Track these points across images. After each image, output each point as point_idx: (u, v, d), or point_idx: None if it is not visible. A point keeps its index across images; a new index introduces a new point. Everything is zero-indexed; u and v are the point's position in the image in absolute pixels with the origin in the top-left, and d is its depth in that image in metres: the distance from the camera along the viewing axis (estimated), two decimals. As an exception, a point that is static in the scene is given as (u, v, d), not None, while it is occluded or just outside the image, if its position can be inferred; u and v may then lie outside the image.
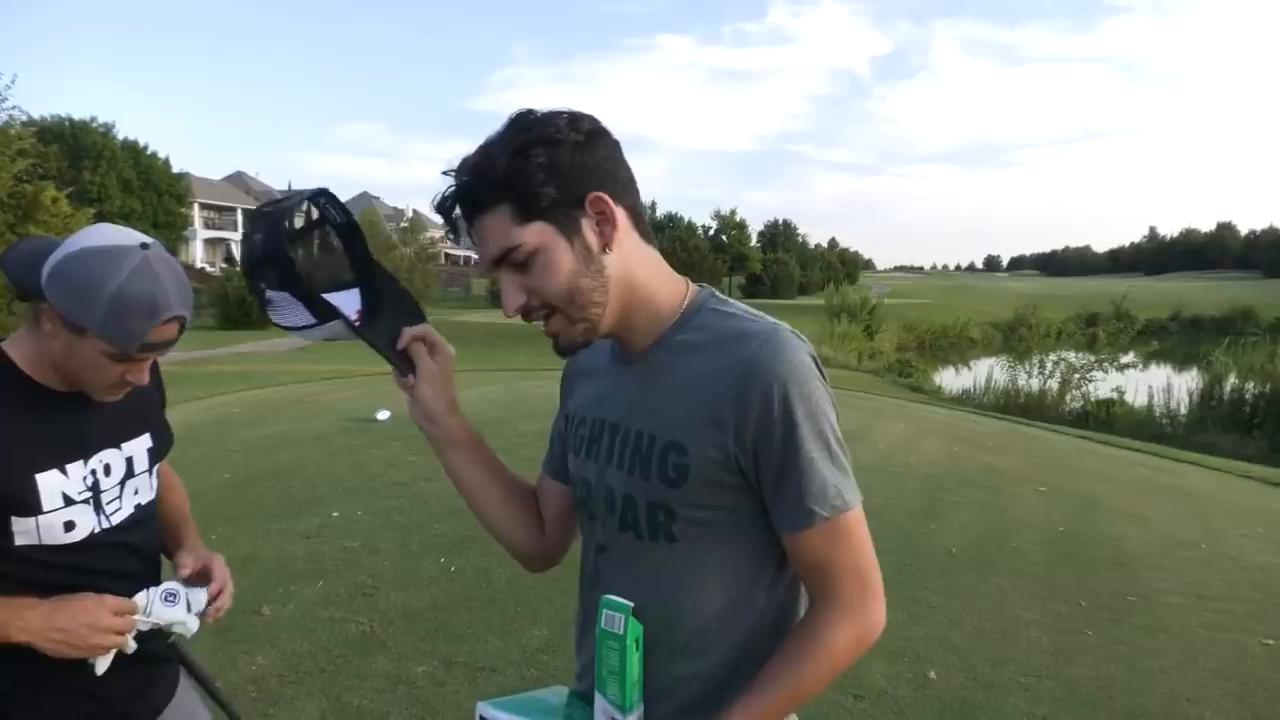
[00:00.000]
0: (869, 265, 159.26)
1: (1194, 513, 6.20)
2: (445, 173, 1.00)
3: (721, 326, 1.03)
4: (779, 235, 74.78)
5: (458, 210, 1.00)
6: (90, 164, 35.28)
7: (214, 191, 56.21)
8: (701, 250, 57.01)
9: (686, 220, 64.23)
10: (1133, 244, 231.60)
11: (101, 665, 1.27)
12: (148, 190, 37.00)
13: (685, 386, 1.01)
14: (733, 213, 63.91)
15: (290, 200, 1.07)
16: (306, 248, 1.09)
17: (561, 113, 0.98)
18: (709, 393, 0.99)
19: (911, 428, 9.38)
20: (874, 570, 1.02)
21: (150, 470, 1.45)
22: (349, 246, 1.12)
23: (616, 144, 1.02)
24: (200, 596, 1.38)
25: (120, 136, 38.76)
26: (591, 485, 1.11)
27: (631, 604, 1.03)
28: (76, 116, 37.36)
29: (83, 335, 1.21)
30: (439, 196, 1.01)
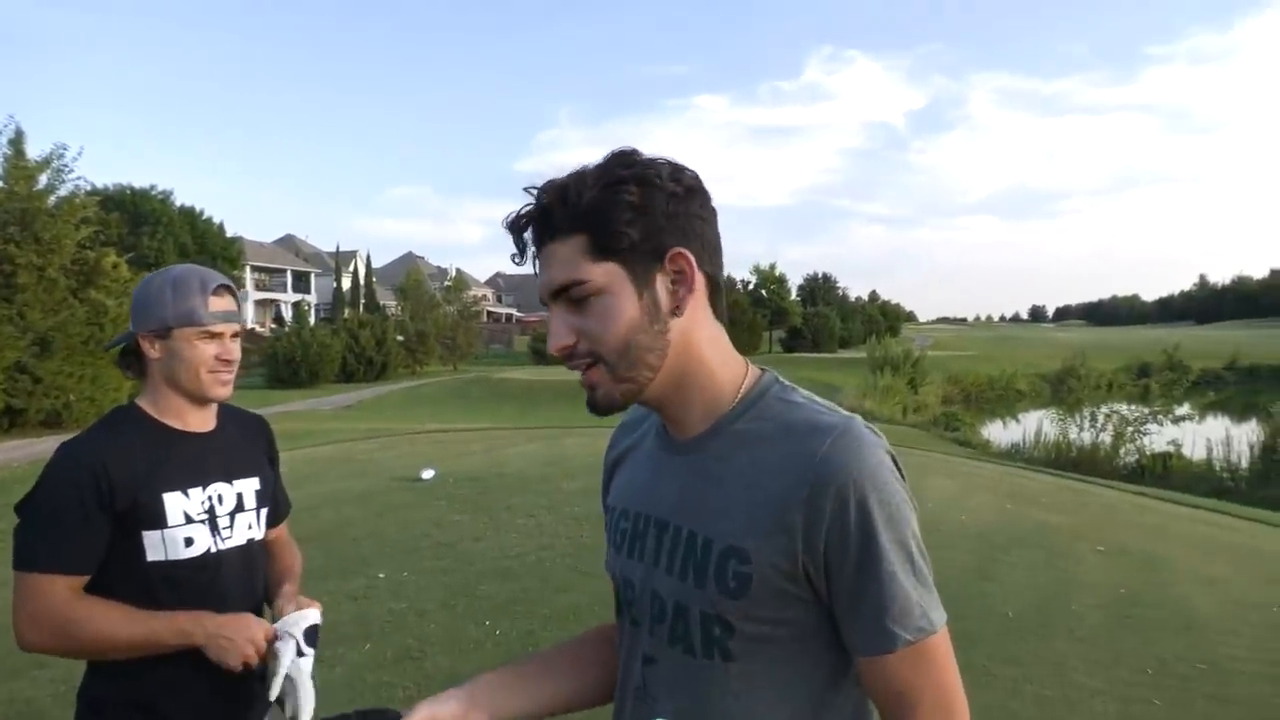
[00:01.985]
0: (911, 317, 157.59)
1: (1265, 574, 5.94)
2: (529, 189, 0.92)
3: (788, 416, 0.92)
4: (819, 289, 74.69)
5: (530, 230, 0.92)
6: (149, 230, 36.62)
7: (265, 254, 57.91)
8: (742, 305, 57.01)
9: (727, 275, 64.41)
10: (1183, 292, 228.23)
11: (275, 688, 1.44)
12: (202, 254, 38.20)
13: (747, 483, 0.90)
14: (772, 267, 63.91)
15: None
16: None
17: (666, 160, 0.91)
18: (775, 491, 0.88)
19: (960, 484, 9.17)
20: (959, 700, 0.89)
21: (258, 510, 1.67)
22: None
23: (714, 210, 0.95)
24: (309, 616, 1.52)
25: (178, 203, 40.29)
26: (635, 588, 1.00)
27: None
28: (137, 184, 39.00)
29: (169, 333, 1.51)
30: (514, 213, 0.93)
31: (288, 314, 51.77)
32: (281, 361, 29.95)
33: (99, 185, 26.64)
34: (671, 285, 0.91)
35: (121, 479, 1.46)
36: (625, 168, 0.89)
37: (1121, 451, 15.34)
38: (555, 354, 0.92)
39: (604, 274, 0.88)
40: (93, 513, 1.44)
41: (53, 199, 16.84)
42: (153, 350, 1.53)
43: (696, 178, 0.93)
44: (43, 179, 16.71)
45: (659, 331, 0.90)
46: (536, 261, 0.93)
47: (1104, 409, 17.07)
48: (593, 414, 0.96)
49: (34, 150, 16.69)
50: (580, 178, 0.89)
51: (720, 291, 0.97)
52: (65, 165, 16.99)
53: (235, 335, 1.58)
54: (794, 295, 67.35)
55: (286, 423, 17.09)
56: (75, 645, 1.44)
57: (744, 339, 54.93)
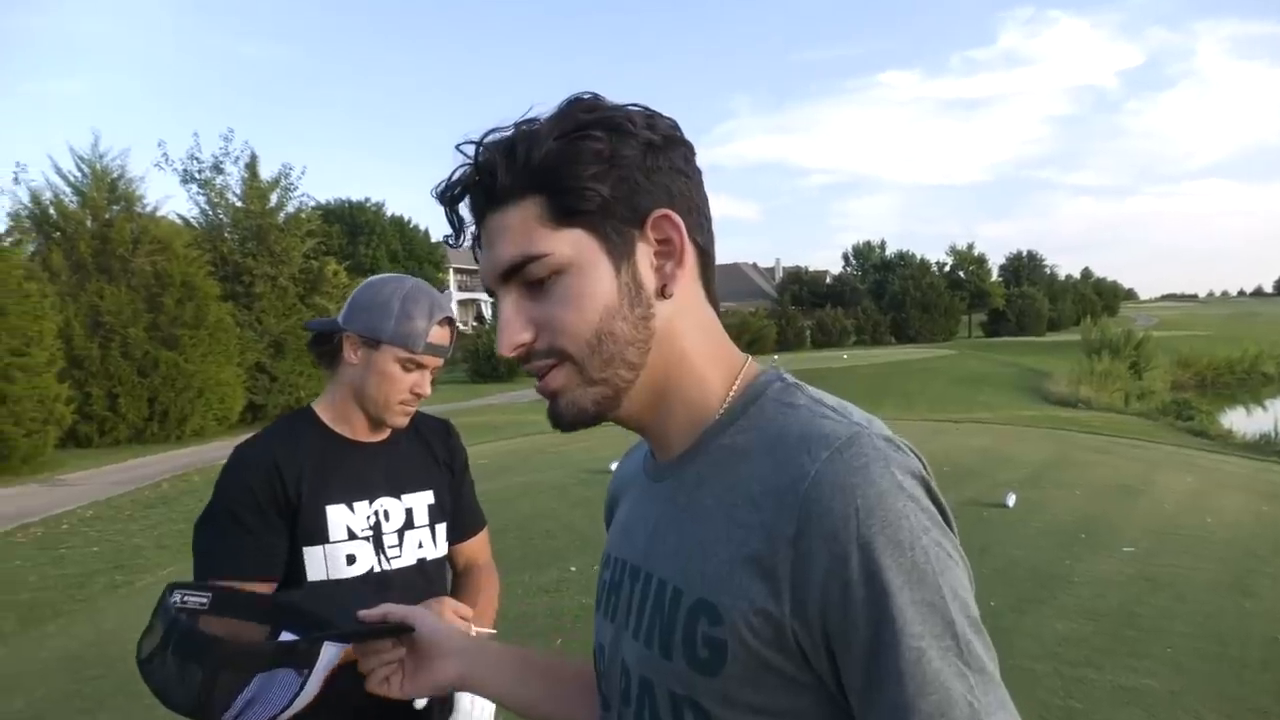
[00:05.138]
0: (1130, 295, 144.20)
1: None
2: (460, 146, 0.70)
3: (782, 423, 0.67)
4: (1023, 268, 69.64)
5: (467, 199, 0.70)
6: (364, 239, 39.92)
7: (465, 258, 60.54)
8: (937, 288, 54.30)
9: (919, 258, 61.55)
10: None
11: (420, 702, 1.40)
12: (410, 260, 41.21)
13: (722, 514, 0.66)
14: (969, 247, 60.33)
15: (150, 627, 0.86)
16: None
17: (638, 106, 0.71)
18: (752, 527, 0.63)
19: (1202, 481, 8.15)
20: None
21: (431, 526, 1.56)
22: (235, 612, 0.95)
23: (699, 168, 0.73)
24: None
25: (388, 213, 43.60)
26: (605, 657, 0.78)
27: None
28: (354, 198, 42.61)
29: (378, 347, 1.43)
30: (445, 179, 0.71)
31: (487, 312, 54.78)
32: (482, 357, 31.66)
33: (320, 200, 29.31)
34: (656, 259, 0.70)
35: (290, 485, 1.39)
36: (588, 111, 0.68)
37: (1407, 444, 13.17)
38: (508, 355, 0.70)
39: (569, 244, 0.67)
40: (270, 515, 1.38)
41: (282, 215, 18.71)
42: (353, 355, 1.45)
43: (676, 126, 0.72)
44: (273, 197, 18.59)
45: (641, 318, 0.69)
46: (477, 241, 0.72)
47: (1381, 394, 14.78)
48: (557, 429, 0.74)
49: (265, 172, 18.59)
50: (530, 130, 0.68)
51: (712, 270, 0.75)
52: (292, 184, 18.86)
53: (436, 369, 1.50)
54: (995, 276, 63.24)
55: (487, 415, 18.01)
56: None
57: (939, 324, 52.38)
